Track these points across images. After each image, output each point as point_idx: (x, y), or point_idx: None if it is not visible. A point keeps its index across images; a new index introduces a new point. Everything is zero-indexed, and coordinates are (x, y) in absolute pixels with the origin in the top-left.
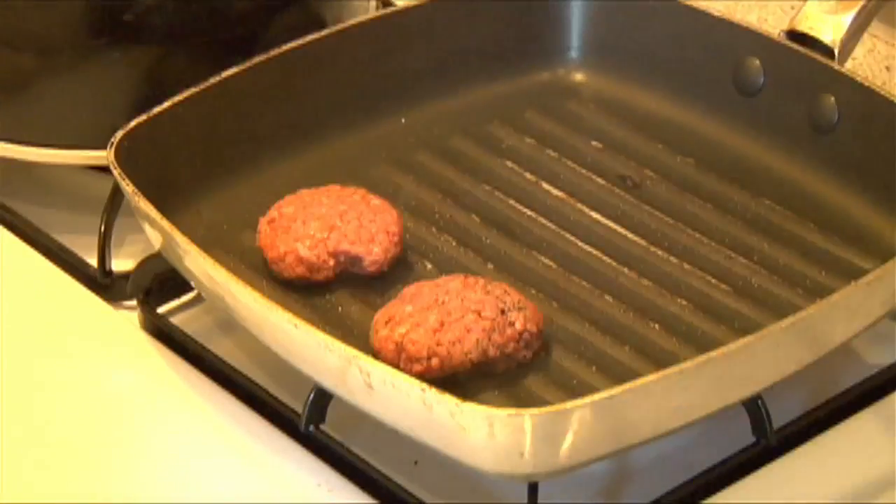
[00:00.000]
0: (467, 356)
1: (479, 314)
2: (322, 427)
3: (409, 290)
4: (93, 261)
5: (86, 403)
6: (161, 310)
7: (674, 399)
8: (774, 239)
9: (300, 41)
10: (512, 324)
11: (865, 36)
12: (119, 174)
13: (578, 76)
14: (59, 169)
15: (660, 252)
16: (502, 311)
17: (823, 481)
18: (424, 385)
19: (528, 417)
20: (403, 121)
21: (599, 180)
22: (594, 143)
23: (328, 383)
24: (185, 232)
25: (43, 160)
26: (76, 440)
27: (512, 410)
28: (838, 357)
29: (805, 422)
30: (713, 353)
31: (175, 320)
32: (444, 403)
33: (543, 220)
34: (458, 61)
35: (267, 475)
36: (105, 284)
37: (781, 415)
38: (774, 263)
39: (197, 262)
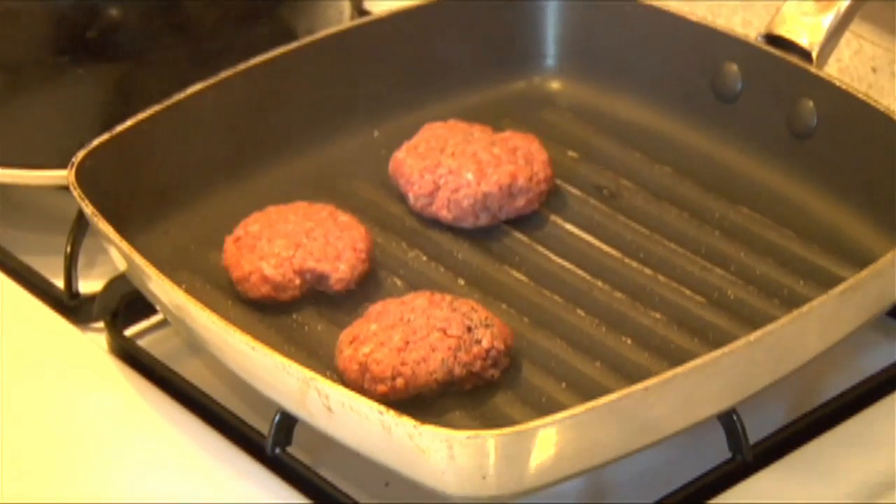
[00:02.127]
0: (432, 376)
1: (445, 332)
2: (290, 449)
3: (375, 308)
4: (61, 282)
5: (51, 428)
6: (129, 331)
7: (640, 417)
8: (752, 248)
9: (268, 54)
10: (479, 341)
11: (851, 37)
12: (79, 195)
13: (555, 84)
14: (26, 189)
15: (634, 264)
16: (469, 329)
17: (801, 496)
18: (382, 407)
19: (487, 439)
20: (376, 134)
21: (575, 191)
22: (570, 153)
23: (289, 406)
24: (151, 252)
25: (8, 180)
26: (40, 464)
27: (471, 432)
28: (823, 365)
29: (782, 435)
30: (678, 370)
31: (143, 342)
32: (403, 426)
33: (516, 233)
34: (432, 72)
35: (233, 499)
36: (72, 306)
37: (765, 426)
38: (751, 273)
39: (156, 284)
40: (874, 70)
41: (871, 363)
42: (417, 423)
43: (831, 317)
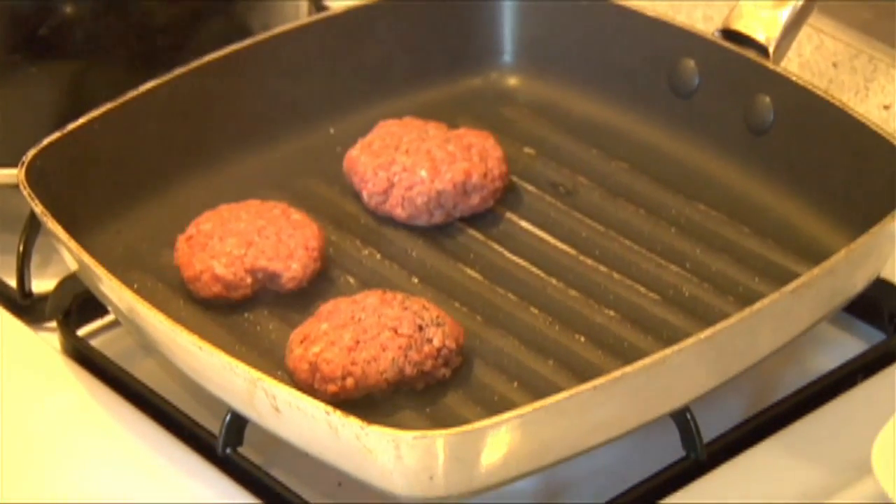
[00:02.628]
0: (383, 375)
1: (396, 331)
2: (241, 449)
3: (326, 307)
4: (13, 281)
5: (2, 427)
6: (82, 331)
7: (590, 416)
8: (707, 245)
9: (222, 51)
10: (430, 340)
11: (812, 32)
12: (29, 194)
13: (512, 81)
14: None
15: (589, 261)
16: (420, 328)
17: (756, 495)
18: (329, 408)
19: (435, 439)
20: (332, 130)
21: (531, 188)
22: (527, 149)
23: (238, 406)
24: (102, 251)
25: None
26: None
27: (418, 433)
28: (779, 361)
29: (737, 434)
30: (627, 369)
31: (96, 342)
32: (350, 426)
33: (471, 231)
34: (388, 68)
35: (185, 499)
36: (25, 306)
37: (721, 424)
38: (706, 270)
39: (107, 285)
40: (835, 65)
41: (829, 359)
42: (364, 424)
43: (784, 315)
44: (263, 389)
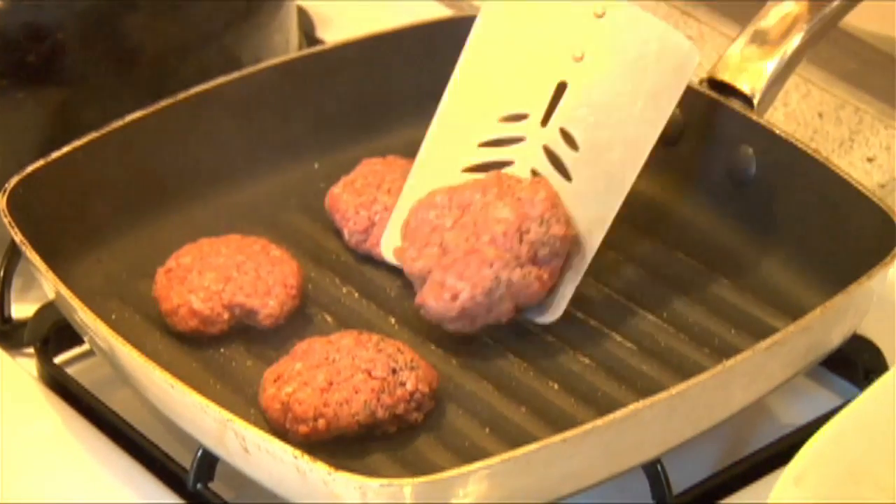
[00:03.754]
0: (354, 418)
1: (370, 374)
2: (212, 485)
3: (301, 346)
4: None
5: None
6: (60, 358)
7: (559, 467)
8: (685, 294)
9: (209, 84)
10: (403, 384)
11: (800, 81)
12: (9, 222)
13: None
14: None
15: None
16: (393, 371)
17: None
18: (297, 451)
19: (403, 487)
20: (316, 165)
21: None
22: None
23: (209, 444)
24: (82, 280)
25: None
26: None
27: (385, 480)
28: (754, 413)
29: (707, 486)
30: (598, 422)
31: (73, 370)
32: (317, 471)
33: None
34: (377, 103)
35: None
36: (3, 331)
37: (692, 475)
38: (683, 321)
39: (82, 317)
40: (820, 115)
41: (803, 412)
42: (331, 469)
43: (757, 370)
44: (233, 430)
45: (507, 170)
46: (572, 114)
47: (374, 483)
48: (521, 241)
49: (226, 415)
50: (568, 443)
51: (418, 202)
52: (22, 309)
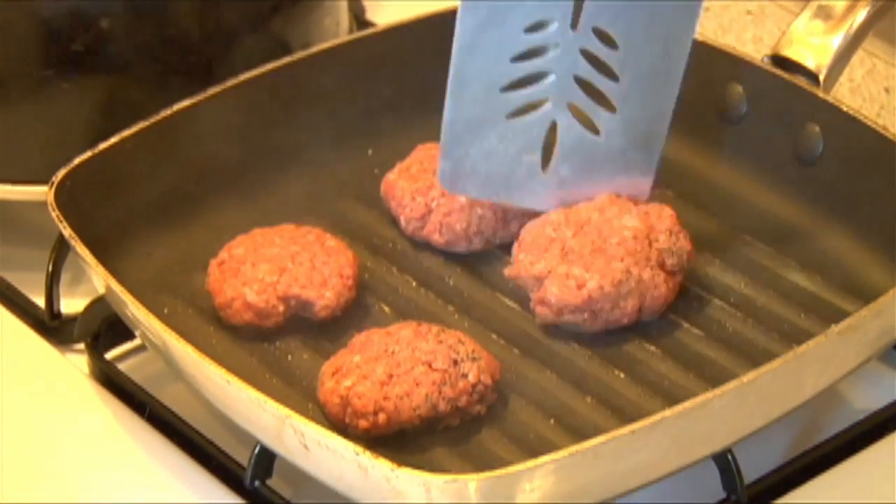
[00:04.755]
0: (416, 411)
1: (430, 366)
2: (270, 482)
3: (359, 338)
4: (41, 300)
5: (27, 451)
6: (110, 354)
7: (628, 460)
8: (752, 278)
9: (259, 70)
10: (465, 375)
11: (864, 55)
12: (57, 216)
13: None
14: (10, 204)
15: None
16: (455, 362)
17: None
18: (359, 448)
19: (467, 483)
20: (370, 152)
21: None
22: None
23: (267, 441)
24: (133, 274)
25: None
26: (16, 487)
27: (450, 477)
28: (825, 400)
29: (779, 476)
30: (667, 413)
31: (124, 365)
32: (380, 467)
33: (510, 258)
34: (430, 88)
35: None
36: (53, 327)
37: (763, 464)
38: (751, 305)
39: (133, 312)
40: (887, 90)
41: (875, 398)
42: (394, 466)
43: (829, 356)
44: (292, 427)
45: (547, 81)
46: (601, 11)
47: (438, 479)
48: (650, 246)
49: (284, 411)
50: (637, 434)
51: (530, 222)
52: (71, 304)
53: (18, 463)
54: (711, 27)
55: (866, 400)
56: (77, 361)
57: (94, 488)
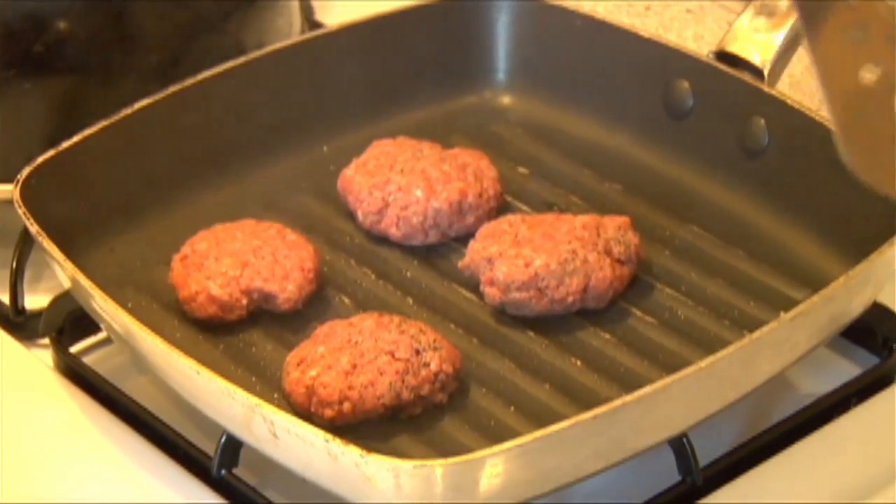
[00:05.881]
0: (380, 400)
1: (393, 355)
2: (235, 471)
3: (323, 329)
4: (5, 298)
5: None
6: (75, 348)
7: (589, 444)
8: (702, 267)
9: (217, 68)
10: (427, 365)
11: (803, 52)
12: (24, 213)
13: (506, 99)
14: None
15: None
16: (417, 352)
17: None
18: (328, 435)
19: (434, 468)
20: (325, 149)
21: (525, 207)
22: (520, 169)
23: (235, 430)
24: (96, 269)
25: None
26: None
27: (418, 462)
28: (775, 385)
29: (732, 458)
30: (627, 398)
31: (89, 359)
32: (349, 454)
33: (465, 251)
34: (382, 86)
35: None
36: (17, 323)
37: (716, 448)
38: (701, 293)
39: (100, 304)
40: None
41: (823, 383)
42: (364, 452)
43: (782, 342)
44: (262, 415)
45: None
46: None
47: (407, 465)
48: (598, 235)
49: (253, 400)
50: (599, 419)
51: (489, 222)
52: (32, 300)
53: None
54: (653, 25)
55: (814, 385)
56: (42, 356)
57: (61, 480)
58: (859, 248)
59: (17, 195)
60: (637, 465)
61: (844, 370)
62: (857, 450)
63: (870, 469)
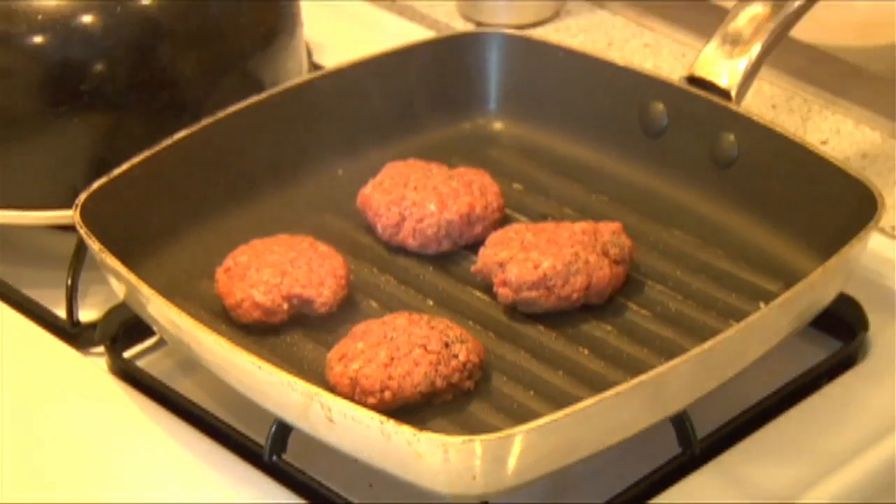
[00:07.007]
0: (417, 388)
1: (426, 348)
2: (283, 456)
3: (359, 328)
4: (60, 312)
5: (60, 445)
6: (126, 354)
7: (610, 419)
8: (686, 266)
9: (243, 103)
10: (456, 356)
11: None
12: (85, 233)
13: (497, 125)
14: (20, 229)
15: None
16: (446, 345)
17: (747, 484)
18: (383, 417)
19: (478, 443)
20: (340, 172)
21: (523, 218)
22: (515, 185)
23: (290, 418)
24: (149, 283)
25: (7, 221)
26: (49, 480)
27: (464, 437)
28: (752, 369)
29: (726, 430)
30: (643, 377)
31: (139, 364)
32: (402, 433)
33: (475, 257)
34: (388, 115)
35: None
36: (74, 334)
37: (704, 424)
38: (688, 288)
39: (162, 311)
40: (774, 107)
41: (798, 365)
42: (416, 431)
43: (770, 326)
44: (320, 403)
45: None
46: None
47: (455, 440)
48: (596, 239)
49: (313, 389)
50: (620, 396)
51: (495, 231)
52: (82, 314)
53: (53, 455)
54: (617, 58)
55: (787, 369)
56: (97, 362)
57: (124, 473)
58: (823, 244)
59: (77, 217)
60: (639, 442)
61: (812, 354)
62: (831, 421)
63: (843, 437)
